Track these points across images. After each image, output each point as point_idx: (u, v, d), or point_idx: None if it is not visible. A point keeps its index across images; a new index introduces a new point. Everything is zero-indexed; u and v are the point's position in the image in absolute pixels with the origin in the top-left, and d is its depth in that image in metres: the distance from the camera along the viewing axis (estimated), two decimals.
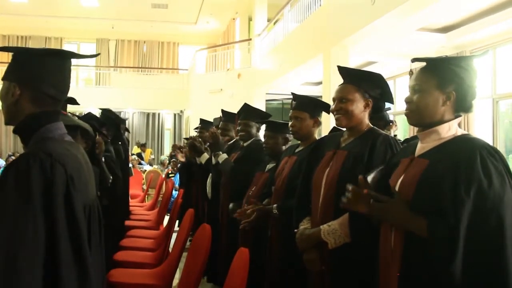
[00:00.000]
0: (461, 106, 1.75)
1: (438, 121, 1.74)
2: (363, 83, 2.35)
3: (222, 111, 4.53)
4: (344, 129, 2.46)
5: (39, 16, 16.97)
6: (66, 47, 18.59)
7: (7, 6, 16.03)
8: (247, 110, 4.17)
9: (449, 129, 1.73)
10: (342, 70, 2.43)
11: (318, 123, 2.99)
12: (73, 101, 3.24)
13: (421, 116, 1.76)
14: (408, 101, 1.79)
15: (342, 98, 2.34)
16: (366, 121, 2.38)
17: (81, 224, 1.43)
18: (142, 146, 16.67)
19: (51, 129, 1.55)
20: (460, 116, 1.77)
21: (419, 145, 1.81)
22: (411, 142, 1.99)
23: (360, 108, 2.33)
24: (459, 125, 1.79)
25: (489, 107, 8.30)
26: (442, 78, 1.73)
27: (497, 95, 8.20)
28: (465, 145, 1.64)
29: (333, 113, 2.39)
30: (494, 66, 8.22)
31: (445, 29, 7.89)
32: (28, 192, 1.33)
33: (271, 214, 2.87)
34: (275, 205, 2.82)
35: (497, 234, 1.49)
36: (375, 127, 2.41)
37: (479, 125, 8.15)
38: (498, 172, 1.55)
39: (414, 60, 1.85)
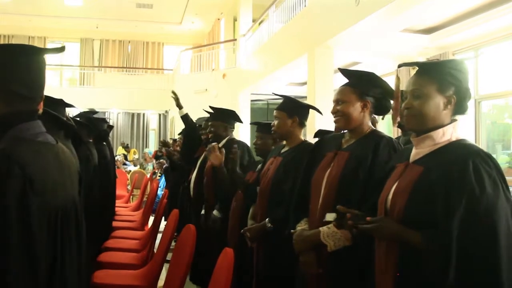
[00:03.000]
0: (460, 109, 1.74)
1: (438, 126, 1.73)
2: (359, 83, 2.35)
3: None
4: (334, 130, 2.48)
5: (22, 15, 16.80)
6: (50, 46, 18.38)
7: None
8: (214, 111, 4.35)
9: (444, 135, 1.72)
10: (342, 72, 2.43)
11: (297, 123, 2.99)
12: (70, 105, 3.18)
13: (423, 121, 1.74)
14: (408, 106, 1.76)
15: (338, 100, 2.34)
16: (368, 122, 2.36)
17: (36, 229, 1.36)
18: (126, 147, 16.64)
19: (22, 129, 1.49)
20: (455, 120, 1.76)
21: (413, 150, 1.80)
22: (407, 146, 1.99)
23: (357, 109, 2.31)
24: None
25: (472, 108, 8.34)
26: (442, 82, 1.72)
27: (479, 95, 8.29)
28: (458, 151, 1.63)
29: (333, 115, 2.39)
30: (476, 67, 8.30)
31: (429, 30, 7.97)
32: None
33: (265, 228, 2.85)
34: (267, 220, 2.82)
35: (491, 241, 1.48)
36: (376, 129, 2.40)
37: (462, 125, 8.20)
38: (492, 179, 1.54)
39: (402, 65, 1.87)
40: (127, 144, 17.19)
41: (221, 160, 3.67)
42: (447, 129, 1.73)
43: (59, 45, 1.78)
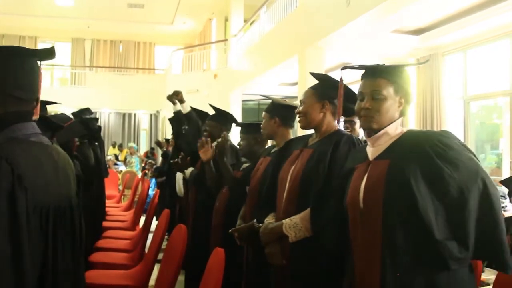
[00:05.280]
0: (407, 107, 1.86)
1: (389, 121, 1.83)
2: (320, 86, 2.51)
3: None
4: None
5: (13, 15, 16.67)
6: (41, 46, 18.27)
7: None
8: (215, 111, 4.35)
9: (396, 128, 1.83)
10: (313, 76, 2.56)
11: (279, 123, 3.03)
12: (50, 102, 3.20)
13: (379, 120, 1.83)
14: (368, 107, 1.84)
15: (301, 101, 2.52)
16: (330, 122, 2.47)
17: (22, 226, 1.37)
18: (120, 147, 16.63)
19: (15, 129, 1.51)
20: (402, 116, 1.87)
21: (370, 149, 1.87)
22: (359, 147, 2.11)
23: (315, 110, 2.45)
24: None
25: (461, 108, 8.48)
26: (397, 85, 1.82)
27: (468, 96, 8.38)
28: (417, 138, 1.74)
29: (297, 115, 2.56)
30: (465, 68, 8.40)
31: (418, 31, 8.03)
32: None
33: (253, 228, 2.88)
34: (254, 220, 2.85)
35: (464, 207, 1.61)
36: (341, 129, 2.52)
37: (451, 125, 8.31)
38: (458, 147, 1.67)
39: (345, 67, 2.00)
40: (121, 144, 17.17)
41: (210, 156, 3.70)
42: (398, 123, 1.84)
43: (49, 45, 1.76)
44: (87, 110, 5.32)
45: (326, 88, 2.47)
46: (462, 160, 1.63)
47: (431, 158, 1.62)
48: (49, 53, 1.65)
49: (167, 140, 8.79)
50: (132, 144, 14.71)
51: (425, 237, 1.61)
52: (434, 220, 1.60)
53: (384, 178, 1.71)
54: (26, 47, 1.63)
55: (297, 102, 2.90)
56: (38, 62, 1.62)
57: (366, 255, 1.76)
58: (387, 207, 1.68)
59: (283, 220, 2.31)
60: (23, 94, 1.54)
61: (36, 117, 1.60)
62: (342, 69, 2.00)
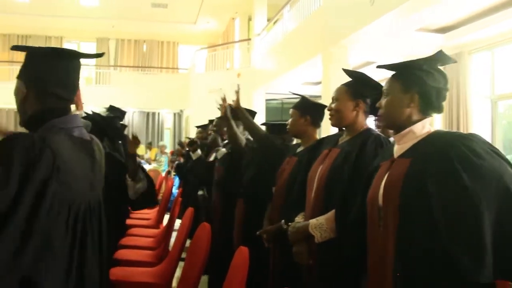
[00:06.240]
0: (428, 107, 1.82)
1: (405, 121, 1.82)
2: (355, 84, 2.46)
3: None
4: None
5: (39, 16, 16.97)
6: (66, 46, 18.50)
7: (8, 5, 16.07)
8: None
9: (423, 127, 1.81)
10: (345, 72, 2.51)
11: (309, 122, 3.02)
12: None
13: (389, 117, 1.87)
14: (379, 105, 1.90)
15: (333, 98, 2.48)
16: (362, 121, 2.45)
17: (43, 215, 1.37)
18: (149, 144, 16.79)
19: (59, 121, 1.56)
20: (430, 116, 1.84)
21: (396, 147, 1.87)
22: (388, 146, 2.09)
23: (349, 108, 2.42)
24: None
25: (488, 108, 8.31)
26: (404, 82, 1.82)
27: (495, 95, 8.22)
28: (441, 139, 1.69)
29: (328, 112, 2.52)
30: (492, 67, 8.23)
31: (444, 30, 7.91)
32: (7, 174, 1.33)
33: (281, 229, 2.87)
34: (283, 221, 2.84)
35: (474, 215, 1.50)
36: (371, 128, 2.47)
37: (478, 125, 8.17)
38: (483, 151, 1.58)
39: (379, 67, 1.95)
40: (150, 142, 17.33)
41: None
42: (425, 122, 1.82)
43: (75, 45, 1.84)
44: (117, 110, 5.35)
45: (360, 87, 2.44)
46: (484, 166, 1.54)
47: (451, 161, 1.57)
48: (95, 57, 1.80)
49: (190, 140, 8.86)
50: (163, 143, 14.78)
51: (436, 240, 1.55)
52: (446, 224, 1.53)
53: (403, 177, 1.69)
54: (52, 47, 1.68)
55: (320, 101, 2.89)
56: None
57: (380, 251, 1.75)
58: (404, 205, 1.66)
59: (310, 220, 2.32)
60: (64, 93, 1.61)
61: (80, 111, 1.65)
62: (377, 67, 1.98)
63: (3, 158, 1.34)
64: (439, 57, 1.82)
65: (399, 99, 1.82)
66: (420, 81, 1.79)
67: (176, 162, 8.73)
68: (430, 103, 1.81)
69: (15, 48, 1.68)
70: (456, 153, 1.58)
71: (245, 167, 3.73)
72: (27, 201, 1.34)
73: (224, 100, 3.59)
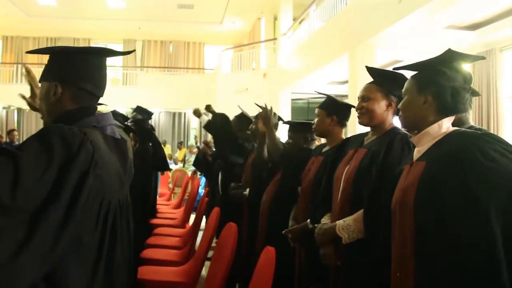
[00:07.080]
0: (445, 107, 1.75)
1: (422, 122, 1.78)
2: (386, 82, 2.40)
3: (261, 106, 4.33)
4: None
5: (67, 18, 17.27)
6: None
7: (37, 9, 16.41)
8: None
9: (440, 128, 1.75)
10: (369, 70, 2.48)
11: (336, 122, 2.98)
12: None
13: (406, 118, 1.85)
14: (398, 107, 1.90)
15: (364, 97, 2.41)
16: (390, 120, 2.41)
17: (78, 208, 1.36)
18: (179, 144, 16.92)
19: (91, 121, 1.58)
20: (450, 116, 1.78)
21: (415, 150, 1.84)
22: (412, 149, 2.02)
23: (382, 107, 2.37)
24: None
25: None
26: (418, 82, 1.80)
27: None
28: (455, 140, 1.65)
29: (356, 111, 2.46)
30: None
31: (474, 26, 7.76)
32: (47, 161, 1.33)
33: (307, 229, 2.85)
34: (308, 220, 2.81)
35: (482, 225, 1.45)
36: (397, 127, 2.42)
37: (509, 124, 7.99)
38: (497, 154, 1.51)
39: (395, 69, 1.98)
40: (181, 141, 17.45)
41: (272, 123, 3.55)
42: (443, 123, 1.76)
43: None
44: (144, 110, 5.40)
45: (393, 85, 2.38)
46: (497, 170, 1.47)
47: (460, 168, 1.51)
48: (125, 54, 1.84)
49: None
50: (192, 143, 14.85)
51: (449, 246, 1.51)
52: (457, 228, 1.49)
53: (418, 181, 1.66)
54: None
55: (347, 101, 2.84)
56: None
57: (400, 255, 1.73)
58: (418, 209, 1.63)
59: (337, 221, 2.30)
60: (95, 89, 1.63)
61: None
62: (394, 69, 1.98)
63: (44, 147, 1.34)
64: (448, 56, 1.76)
65: (414, 100, 1.80)
66: (433, 81, 1.75)
67: (195, 154, 8.73)
68: (446, 103, 1.74)
69: (39, 51, 1.67)
70: (468, 157, 1.52)
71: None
72: (66, 192, 1.33)
73: (270, 111, 3.50)
